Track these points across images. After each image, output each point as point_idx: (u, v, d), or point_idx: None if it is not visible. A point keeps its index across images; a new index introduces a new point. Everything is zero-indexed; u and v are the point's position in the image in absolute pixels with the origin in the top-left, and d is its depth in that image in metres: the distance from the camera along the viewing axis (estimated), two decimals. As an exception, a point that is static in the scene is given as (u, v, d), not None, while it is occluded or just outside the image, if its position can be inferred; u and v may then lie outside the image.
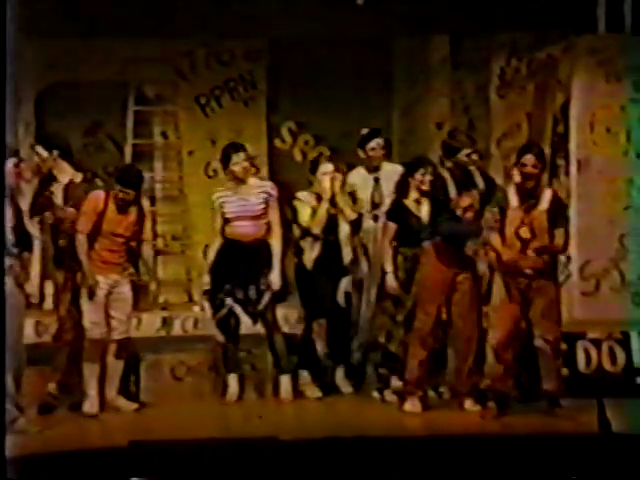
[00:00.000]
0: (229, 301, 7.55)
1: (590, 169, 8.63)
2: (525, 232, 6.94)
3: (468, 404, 7.20)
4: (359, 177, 8.00)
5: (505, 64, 9.33)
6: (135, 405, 7.42)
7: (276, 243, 7.61)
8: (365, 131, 8.03)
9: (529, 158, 6.94)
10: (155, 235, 9.48)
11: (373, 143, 7.91)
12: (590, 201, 8.64)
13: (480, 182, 7.31)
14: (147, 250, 7.54)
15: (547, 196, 7.01)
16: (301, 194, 7.95)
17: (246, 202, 7.63)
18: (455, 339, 7.21)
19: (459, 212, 7.20)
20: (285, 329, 7.91)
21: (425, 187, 7.46)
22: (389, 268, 7.40)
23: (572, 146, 8.72)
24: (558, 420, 6.83)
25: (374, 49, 9.37)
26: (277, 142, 9.69)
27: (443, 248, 7.17)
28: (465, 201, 7.19)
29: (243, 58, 9.58)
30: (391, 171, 7.92)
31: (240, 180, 7.67)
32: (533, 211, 6.97)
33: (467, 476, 5.92)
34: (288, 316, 8.06)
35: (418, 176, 7.49)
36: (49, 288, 8.22)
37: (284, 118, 9.63)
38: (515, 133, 9.12)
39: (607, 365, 7.57)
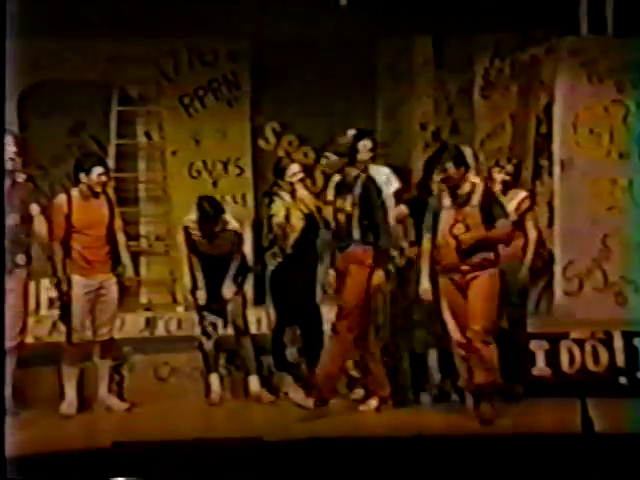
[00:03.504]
0: (206, 312, 7.63)
1: (573, 169, 8.68)
2: (459, 229, 6.97)
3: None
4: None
5: (488, 65, 9.36)
6: (126, 405, 7.40)
7: (234, 263, 7.63)
8: (352, 132, 7.54)
9: (449, 166, 6.97)
10: (138, 236, 9.49)
11: (360, 145, 7.46)
12: (573, 201, 8.68)
13: (357, 188, 7.21)
14: (122, 239, 7.48)
15: (479, 191, 7.03)
16: (282, 192, 7.79)
17: (217, 239, 7.61)
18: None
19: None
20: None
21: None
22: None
23: (555, 147, 8.77)
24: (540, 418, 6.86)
25: (358, 50, 9.38)
26: (261, 142, 9.70)
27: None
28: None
29: (227, 59, 9.58)
30: (376, 174, 7.51)
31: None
32: (465, 208, 7.00)
33: (462, 476, 5.92)
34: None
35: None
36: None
37: (268, 119, 9.64)
38: (499, 134, 9.15)
39: (590, 365, 7.58)
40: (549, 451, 6.06)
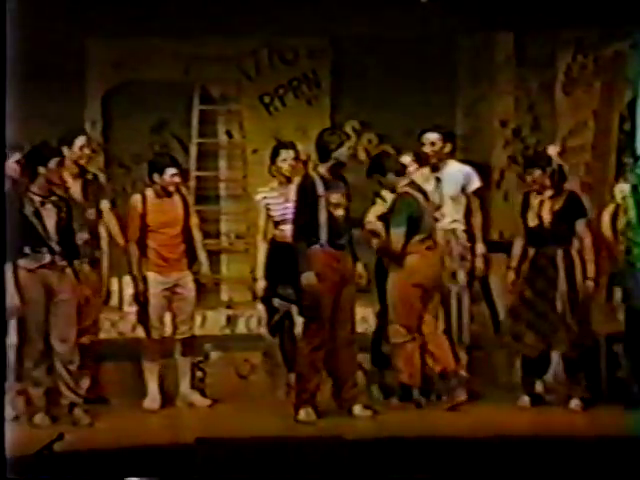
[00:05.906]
0: (277, 303, 7.52)
1: (658, 167, 8.52)
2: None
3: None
4: (422, 176, 7.56)
5: (571, 61, 9.24)
6: (209, 401, 7.45)
7: None
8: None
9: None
10: (219, 233, 9.57)
11: (423, 139, 7.49)
12: (658, 200, 8.52)
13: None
14: (198, 236, 7.55)
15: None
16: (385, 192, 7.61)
17: (291, 205, 7.36)
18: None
19: (331, 209, 7.00)
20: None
21: (536, 187, 7.34)
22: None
23: (639, 144, 8.62)
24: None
25: (438, 47, 9.33)
26: (341, 141, 9.69)
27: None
28: (334, 198, 7.02)
29: (307, 57, 9.61)
30: (455, 171, 7.52)
31: (287, 179, 7.54)
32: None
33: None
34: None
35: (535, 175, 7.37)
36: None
37: (348, 117, 9.64)
38: (581, 131, 9.04)
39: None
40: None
